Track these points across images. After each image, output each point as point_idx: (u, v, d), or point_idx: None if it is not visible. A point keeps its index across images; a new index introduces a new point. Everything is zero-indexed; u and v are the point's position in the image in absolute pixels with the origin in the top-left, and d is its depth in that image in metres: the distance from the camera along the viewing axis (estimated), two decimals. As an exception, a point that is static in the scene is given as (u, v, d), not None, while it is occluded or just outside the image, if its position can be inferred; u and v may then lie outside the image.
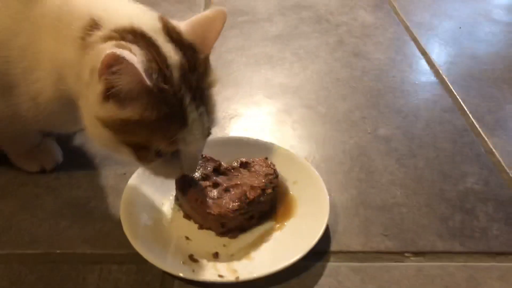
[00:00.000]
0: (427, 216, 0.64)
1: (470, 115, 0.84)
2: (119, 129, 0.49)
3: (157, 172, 0.56)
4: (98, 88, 0.47)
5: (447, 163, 0.73)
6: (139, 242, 0.56)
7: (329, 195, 0.62)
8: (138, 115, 0.47)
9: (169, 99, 0.48)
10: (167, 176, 0.58)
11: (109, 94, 0.47)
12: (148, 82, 0.45)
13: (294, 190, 0.66)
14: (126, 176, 0.68)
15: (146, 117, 0.47)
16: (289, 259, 0.55)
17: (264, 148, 0.70)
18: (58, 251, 0.59)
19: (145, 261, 0.54)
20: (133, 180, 0.64)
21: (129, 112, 0.47)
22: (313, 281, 0.56)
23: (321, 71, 0.95)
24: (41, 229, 0.61)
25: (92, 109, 0.49)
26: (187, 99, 0.49)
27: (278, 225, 0.61)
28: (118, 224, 0.60)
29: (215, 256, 0.57)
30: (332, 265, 0.58)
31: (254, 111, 0.84)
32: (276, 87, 0.90)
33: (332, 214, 0.62)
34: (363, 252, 0.60)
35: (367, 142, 0.77)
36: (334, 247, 0.60)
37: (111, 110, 0.48)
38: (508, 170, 0.72)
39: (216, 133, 0.77)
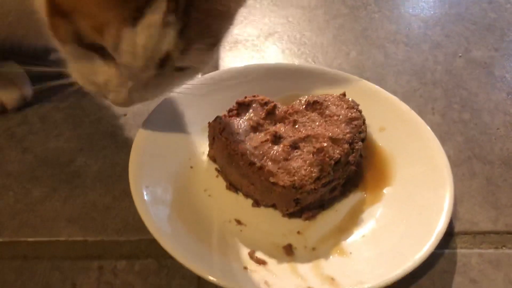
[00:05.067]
0: None
1: None
2: None
3: (78, 74, 0.34)
4: None
5: None
6: (164, 233, 0.35)
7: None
8: None
9: None
10: (90, 86, 0.35)
11: None
12: None
13: (383, 140, 0.45)
14: (128, 118, 0.46)
15: None
16: (409, 253, 0.35)
17: (327, 79, 0.48)
18: (30, 239, 0.37)
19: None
20: (145, 127, 0.42)
21: None
22: (436, 283, 0.37)
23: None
24: (1, 202, 0.39)
25: None
26: None
27: (370, 196, 0.41)
28: (123, 193, 0.39)
29: (288, 251, 0.37)
30: (459, 254, 0.39)
31: (300, 26, 0.60)
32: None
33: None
34: (497, 233, 0.41)
35: (460, 68, 0.56)
36: (457, 224, 0.41)
37: None
38: None
39: (248, 60, 0.54)
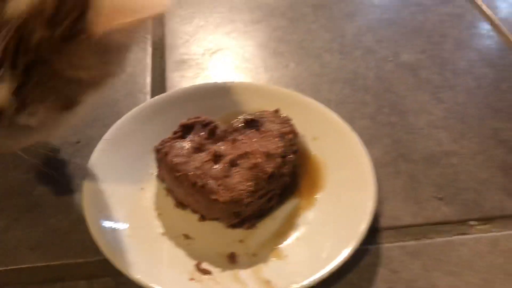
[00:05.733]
0: (485, 166, 0.51)
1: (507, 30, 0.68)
2: None
3: None
4: None
5: (492, 93, 0.59)
6: (116, 252, 0.39)
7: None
8: None
9: None
10: None
11: None
12: None
13: (316, 149, 0.49)
14: (82, 145, 0.50)
15: None
16: (336, 251, 0.40)
17: (264, 95, 0.53)
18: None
19: (135, 283, 0.38)
20: (97, 154, 0.46)
21: None
22: (362, 277, 0.42)
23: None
24: (-33, 241, 0.43)
25: None
26: None
27: (305, 202, 0.46)
28: (80, 217, 0.42)
29: (232, 259, 0.41)
30: (383, 248, 0.44)
31: (242, 41, 0.64)
32: (263, 8, 0.70)
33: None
34: (417, 226, 0.46)
35: (390, 72, 0.61)
36: (381, 221, 0.46)
37: None
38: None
39: (194, 78, 0.58)
